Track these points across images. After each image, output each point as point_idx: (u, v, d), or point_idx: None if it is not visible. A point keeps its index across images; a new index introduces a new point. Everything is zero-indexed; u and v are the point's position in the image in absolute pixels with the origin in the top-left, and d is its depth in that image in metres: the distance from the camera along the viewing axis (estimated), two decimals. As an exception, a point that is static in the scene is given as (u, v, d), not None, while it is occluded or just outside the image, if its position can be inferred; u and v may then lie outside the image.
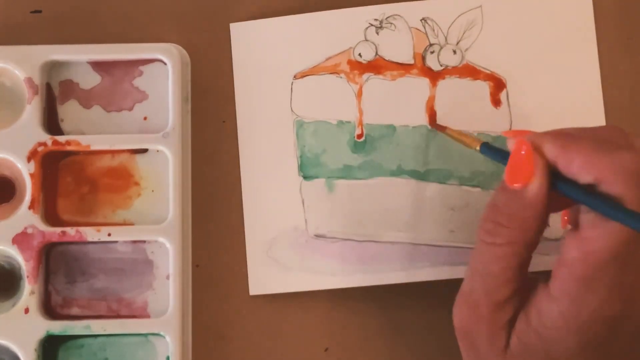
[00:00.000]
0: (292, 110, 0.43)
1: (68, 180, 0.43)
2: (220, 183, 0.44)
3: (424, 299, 0.43)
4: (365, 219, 0.43)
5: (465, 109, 0.43)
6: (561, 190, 0.32)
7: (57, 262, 0.42)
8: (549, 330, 0.32)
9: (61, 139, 0.42)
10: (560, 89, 0.43)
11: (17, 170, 0.42)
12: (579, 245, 0.31)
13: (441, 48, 0.43)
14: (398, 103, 0.43)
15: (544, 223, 0.33)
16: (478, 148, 0.37)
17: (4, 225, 0.41)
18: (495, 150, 0.36)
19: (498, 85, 0.43)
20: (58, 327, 0.41)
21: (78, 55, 0.43)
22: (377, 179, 0.43)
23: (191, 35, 0.44)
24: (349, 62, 0.44)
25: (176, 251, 0.41)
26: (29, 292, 0.41)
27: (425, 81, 0.43)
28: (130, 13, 0.45)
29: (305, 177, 0.43)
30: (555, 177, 0.32)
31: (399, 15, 0.44)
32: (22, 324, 0.40)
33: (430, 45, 0.44)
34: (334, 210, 0.43)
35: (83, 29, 0.44)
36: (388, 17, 0.44)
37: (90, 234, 0.41)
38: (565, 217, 0.36)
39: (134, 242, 0.42)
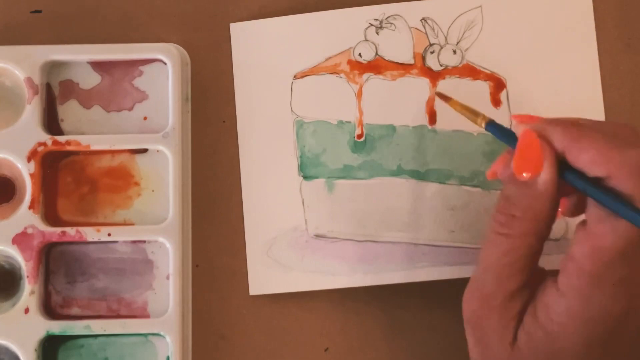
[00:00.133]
0: (292, 110, 0.43)
1: (68, 180, 0.43)
2: (220, 183, 0.44)
3: (424, 299, 0.43)
4: (365, 219, 0.43)
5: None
6: (569, 181, 0.32)
7: (57, 262, 0.42)
8: (555, 324, 0.32)
9: (61, 139, 0.42)
10: (560, 89, 0.43)
11: (17, 170, 0.42)
12: (586, 240, 0.31)
13: (441, 48, 0.43)
14: (398, 103, 0.43)
15: (555, 213, 0.33)
16: (483, 125, 0.36)
17: (4, 225, 0.41)
18: (502, 130, 0.35)
19: (498, 85, 0.43)
20: (58, 327, 0.41)
21: (78, 55, 0.43)
22: (377, 179, 0.43)
23: (191, 35, 0.44)
24: (349, 62, 0.44)
25: (176, 251, 0.41)
26: (29, 292, 0.41)
27: (425, 81, 0.43)
28: (130, 13, 0.45)
29: (305, 177, 0.43)
30: (563, 167, 0.32)
31: (399, 15, 0.44)
32: (22, 324, 0.40)
33: (430, 45, 0.44)
34: (334, 210, 0.43)
35: (83, 29, 0.44)
36: (388, 17, 0.44)
37: (90, 234, 0.41)
38: (560, 209, 0.36)
39: (134, 242, 0.42)
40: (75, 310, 0.42)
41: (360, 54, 0.44)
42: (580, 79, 0.43)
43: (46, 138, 0.42)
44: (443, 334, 0.42)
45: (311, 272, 0.42)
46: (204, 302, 0.43)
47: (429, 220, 0.43)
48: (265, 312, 0.43)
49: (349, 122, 0.43)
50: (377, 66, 0.43)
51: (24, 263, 0.41)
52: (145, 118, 0.43)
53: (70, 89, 0.43)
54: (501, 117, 0.43)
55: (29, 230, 0.41)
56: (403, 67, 0.43)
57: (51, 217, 0.42)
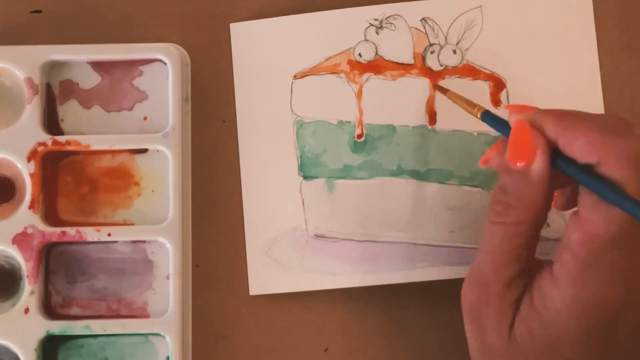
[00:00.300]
0: (292, 110, 0.43)
1: (68, 180, 0.43)
2: (220, 183, 0.44)
3: (424, 299, 0.43)
4: (365, 219, 0.43)
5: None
6: (561, 169, 0.32)
7: (57, 262, 0.42)
8: (551, 312, 0.32)
9: (61, 139, 0.42)
10: (560, 89, 0.43)
11: (17, 170, 0.42)
12: (579, 228, 0.31)
13: (441, 48, 0.43)
14: (398, 103, 0.43)
15: (550, 200, 0.34)
16: (479, 115, 0.37)
17: (4, 225, 0.41)
18: (497, 120, 0.36)
19: (498, 85, 0.43)
20: (58, 327, 0.41)
21: (78, 55, 0.43)
22: (377, 179, 0.43)
23: (191, 35, 0.44)
24: (349, 62, 0.44)
25: (176, 251, 0.41)
26: (29, 292, 0.41)
27: (425, 81, 0.43)
28: (130, 13, 0.45)
29: (305, 177, 0.43)
30: (555, 155, 0.32)
31: (399, 15, 0.44)
32: (22, 324, 0.40)
33: (430, 45, 0.44)
34: (334, 210, 0.43)
35: (83, 29, 0.44)
36: (388, 17, 0.44)
37: (90, 234, 0.41)
38: (552, 202, 0.36)
39: (134, 242, 0.42)
40: (75, 310, 0.42)
41: (360, 54, 0.44)
42: (580, 79, 0.43)
43: (46, 138, 0.42)
44: (443, 334, 0.42)
45: (311, 272, 0.42)
46: (204, 302, 0.43)
47: (429, 221, 0.43)
48: (265, 312, 0.43)
49: (349, 122, 0.43)
50: (377, 66, 0.43)
51: (24, 263, 0.41)
52: (145, 118, 0.43)
53: (70, 89, 0.43)
54: (501, 116, 0.43)
55: (29, 230, 0.41)
56: (403, 67, 0.43)
57: (51, 217, 0.42)
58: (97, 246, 0.42)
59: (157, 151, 0.42)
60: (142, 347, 0.42)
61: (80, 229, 0.41)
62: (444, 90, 0.41)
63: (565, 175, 0.32)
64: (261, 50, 0.44)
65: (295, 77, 0.44)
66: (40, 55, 0.42)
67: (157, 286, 0.42)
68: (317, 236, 0.43)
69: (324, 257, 0.43)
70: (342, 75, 0.43)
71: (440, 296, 0.42)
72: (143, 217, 0.42)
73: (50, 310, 0.42)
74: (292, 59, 0.44)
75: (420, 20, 0.44)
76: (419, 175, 0.43)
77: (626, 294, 0.31)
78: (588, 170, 0.31)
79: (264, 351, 0.43)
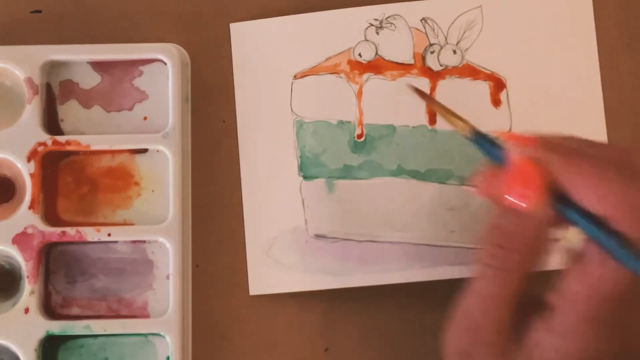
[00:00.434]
0: (292, 110, 0.43)
1: (68, 180, 0.43)
2: (220, 183, 0.44)
3: (424, 299, 0.43)
4: (365, 219, 0.43)
5: (465, 109, 0.43)
6: (567, 217, 0.29)
7: (57, 262, 0.42)
8: None
9: (61, 139, 0.42)
10: (560, 89, 0.43)
11: (17, 170, 0.42)
12: (584, 280, 0.29)
13: (441, 48, 0.43)
14: (398, 103, 0.43)
15: (548, 244, 0.31)
16: (468, 135, 0.33)
17: (4, 225, 0.41)
18: (487, 144, 0.32)
19: (498, 85, 0.43)
20: (58, 327, 0.41)
21: (78, 55, 0.43)
22: (377, 179, 0.43)
23: (191, 35, 0.44)
24: (349, 62, 0.44)
25: (176, 251, 0.41)
26: (29, 292, 0.41)
27: (425, 81, 0.43)
28: (130, 13, 0.45)
29: (305, 177, 0.43)
30: (559, 199, 0.30)
31: (399, 15, 0.44)
32: (22, 324, 0.40)
33: (430, 45, 0.44)
34: (334, 210, 0.43)
35: (83, 29, 0.44)
36: (388, 17, 0.44)
37: (90, 234, 0.41)
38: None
39: (134, 242, 0.42)
40: (75, 310, 0.42)
41: (360, 54, 0.44)
42: (580, 79, 0.43)
43: (46, 138, 0.42)
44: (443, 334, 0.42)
45: (311, 272, 0.42)
46: (204, 302, 0.43)
47: (429, 221, 0.42)
48: (265, 312, 0.43)
49: (349, 122, 0.43)
50: (377, 66, 0.43)
51: (24, 263, 0.41)
52: (145, 118, 0.43)
53: (70, 89, 0.43)
54: (501, 117, 0.43)
55: (29, 230, 0.41)
56: (403, 67, 0.43)
57: (51, 217, 0.42)
58: (97, 246, 0.42)
59: (157, 151, 0.42)
60: (142, 347, 0.42)
61: (80, 229, 0.41)
62: (429, 99, 0.40)
63: (570, 223, 0.30)
64: (261, 50, 0.44)
65: (295, 77, 0.44)
66: (40, 55, 0.42)
67: (157, 286, 0.42)
68: (317, 236, 0.43)
69: (324, 257, 0.43)
70: (342, 75, 0.43)
71: (440, 296, 0.42)
72: (143, 217, 0.42)
73: (50, 310, 0.42)
74: (292, 59, 0.44)
75: (420, 20, 0.44)
76: (419, 175, 0.43)
77: (619, 344, 0.31)
78: (596, 220, 0.29)
79: (264, 351, 0.43)
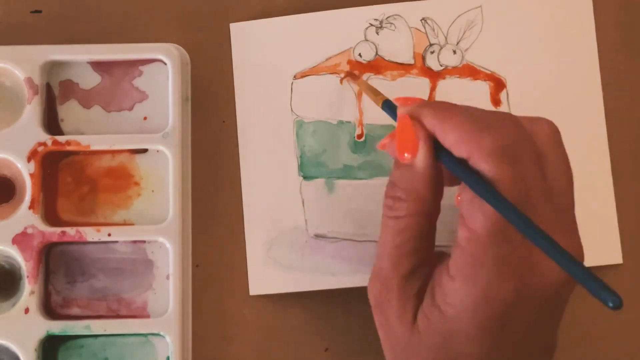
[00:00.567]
0: (292, 110, 0.43)
1: (68, 180, 0.43)
2: (220, 183, 0.44)
3: (424, 299, 0.43)
4: (365, 219, 0.43)
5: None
6: (443, 162, 0.33)
7: (57, 262, 0.42)
8: (449, 306, 0.32)
9: (61, 139, 0.42)
10: (560, 89, 0.43)
11: (17, 170, 0.42)
12: (463, 224, 0.31)
13: (441, 48, 0.43)
14: (398, 103, 0.43)
15: (439, 192, 0.34)
16: (380, 104, 0.37)
17: (4, 225, 0.41)
18: (394, 110, 0.36)
19: (498, 85, 0.43)
20: (58, 327, 0.41)
21: (78, 55, 0.43)
22: (377, 179, 0.43)
23: (191, 35, 0.44)
24: (349, 62, 0.44)
25: (176, 251, 0.41)
26: (29, 292, 0.41)
27: (425, 81, 0.43)
28: (130, 13, 0.45)
29: (305, 177, 0.43)
30: (439, 149, 0.33)
31: (399, 15, 0.44)
32: (22, 324, 0.40)
33: (430, 45, 0.44)
34: (334, 210, 0.43)
35: (83, 29, 0.44)
36: (388, 17, 0.44)
37: (90, 234, 0.41)
38: (458, 197, 0.36)
39: (134, 242, 0.42)
40: (75, 310, 0.42)
41: (360, 54, 0.44)
42: (580, 79, 0.43)
43: (46, 138, 0.42)
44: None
45: (311, 272, 0.42)
46: (204, 302, 0.43)
47: (429, 220, 0.42)
48: (265, 312, 0.43)
49: (349, 122, 0.43)
50: (377, 66, 0.43)
51: (24, 263, 0.41)
52: (145, 118, 0.43)
53: (70, 89, 0.43)
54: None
55: (29, 230, 0.41)
56: (403, 67, 0.43)
57: (51, 217, 0.42)
58: (97, 246, 0.42)
59: (157, 151, 0.43)
60: (142, 347, 0.42)
61: (80, 229, 0.41)
62: (355, 77, 0.42)
63: (448, 169, 0.32)
64: (261, 50, 0.44)
65: (295, 77, 0.44)
66: (40, 55, 0.42)
67: (157, 286, 0.42)
68: (317, 236, 0.43)
69: (324, 257, 0.43)
70: (342, 75, 0.43)
71: (440, 296, 0.42)
72: (143, 217, 0.42)
73: (50, 310, 0.42)
74: (292, 59, 0.44)
75: (420, 20, 0.44)
76: (419, 175, 0.43)
77: (517, 287, 0.31)
78: (464, 164, 0.31)
79: (264, 351, 0.43)
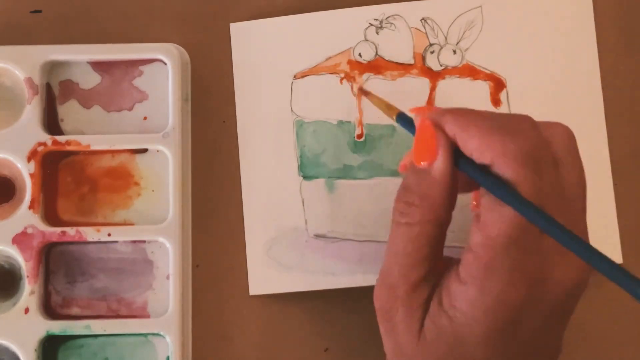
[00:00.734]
0: (292, 110, 0.43)
1: (68, 180, 0.43)
2: (220, 183, 0.44)
3: (424, 299, 0.43)
4: (365, 219, 0.43)
5: (465, 109, 0.43)
6: (462, 169, 0.32)
7: (57, 262, 0.42)
8: (458, 312, 0.32)
9: (61, 139, 0.42)
10: (560, 89, 0.43)
11: (17, 170, 0.42)
12: (479, 229, 0.31)
13: (441, 48, 0.43)
14: (398, 103, 0.43)
15: (453, 200, 0.34)
16: (394, 117, 0.37)
17: (4, 225, 0.41)
18: (410, 123, 0.36)
19: (498, 85, 0.43)
20: (58, 327, 0.41)
21: (78, 55, 0.43)
22: (377, 179, 0.43)
23: (191, 35, 0.44)
24: (349, 62, 0.44)
25: (176, 251, 0.41)
26: (29, 292, 0.41)
27: (425, 81, 0.43)
28: (130, 13, 0.45)
29: (305, 177, 0.43)
30: (458, 156, 0.32)
31: (399, 15, 0.44)
32: (22, 324, 0.40)
33: (430, 45, 0.44)
34: (334, 210, 0.43)
35: (83, 29, 0.44)
36: (388, 17, 0.44)
37: (90, 234, 0.41)
38: (474, 202, 0.36)
39: (134, 242, 0.42)
40: (75, 310, 0.42)
41: (360, 54, 0.44)
42: (580, 79, 0.43)
43: (46, 138, 0.42)
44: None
45: (311, 272, 0.42)
46: (204, 302, 0.43)
47: (429, 220, 0.42)
48: (265, 312, 0.43)
49: (349, 122, 0.43)
50: (377, 66, 0.43)
51: (24, 263, 0.41)
52: (145, 118, 0.43)
53: (70, 89, 0.43)
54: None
55: (29, 230, 0.41)
56: (403, 67, 0.43)
57: (51, 217, 0.42)
58: (97, 246, 0.42)
59: (157, 151, 0.43)
60: (142, 347, 0.42)
61: (80, 229, 0.41)
62: (366, 93, 0.42)
63: (468, 175, 0.32)
64: (261, 50, 0.44)
65: (295, 77, 0.44)
66: (40, 55, 0.42)
67: (157, 286, 0.42)
68: (317, 236, 0.43)
69: (324, 257, 0.43)
70: (342, 75, 0.43)
71: (440, 296, 0.42)
72: (143, 217, 0.42)
73: (50, 310, 0.42)
74: (292, 59, 0.44)
75: (420, 20, 0.44)
76: (419, 175, 0.43)
77: (529, 293, 0.31)
78: (485, 170, 0.31)
79: (264, 351, 0.43)
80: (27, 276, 0.41)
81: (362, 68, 0.43)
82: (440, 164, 0.32)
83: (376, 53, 0.44)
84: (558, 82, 0.43)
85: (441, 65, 0.43)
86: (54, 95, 0.43)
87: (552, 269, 0.31)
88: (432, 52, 0.43)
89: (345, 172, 0.43)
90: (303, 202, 0.43)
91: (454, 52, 0.43)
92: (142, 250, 0.42)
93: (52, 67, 0.43)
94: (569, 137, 0.33)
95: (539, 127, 0.32)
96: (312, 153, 0.43)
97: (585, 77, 0.43)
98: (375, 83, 0.43)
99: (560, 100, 0.43)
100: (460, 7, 0.43)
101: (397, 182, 0.43)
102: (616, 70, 0.44)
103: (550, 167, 0.31)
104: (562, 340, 0.34)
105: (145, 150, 0.43)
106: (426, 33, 0.44)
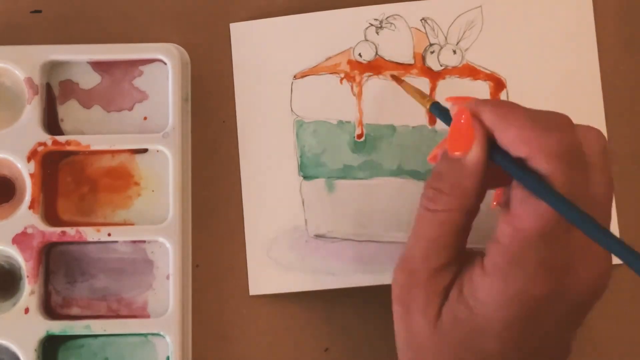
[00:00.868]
0: (292, 110, 0.43)
1: (68, 180, 0.43)
2: (220, 183, 0.44)
3: (424, 299, 0.43)
4: (365, 219, 0.43)
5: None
6: (496, 161, 0.32)
7: (57, 262, 0.42)
8: (478, 302, 0.32)
9: (61, 139, 0.42)
10: (560, 89, 0.43)
11: (17, 170, 0.42)
12: (509, 221, 0.31)
13: (441, 48, 0.43)
14: (398, 103, 0.43)
15: (483, 192, 0.34)
16: (428, 106, 0.37)
17: (4, 225, 0.41)
18: (445, 112, 0.36)
19: (498, 85, 0.43)
20: (58, 327, 0.41)
21: (78, 55, 0.43)
22: (377, 179, 0.43)
23: (191, 35, 0.44)
24: (349, 62, 0.44)
25: (176, 251, 0.41)
26: (29, 292, 0.41)
27: (425, 81, 0.43)
28: (130, 13, 0.45)
29: (305, 177, 0.43)
30: (492, 147, 0.32)
31: (399, 15, 0.44)
32: (22, 324, 0.40)
33: (430, 45, 0.44)
34: (334, 210, 0.43)
35: (83, 29, 0.44)
36: (388, 17, 0.44)
37: (90, 234, 0.41)
38: (495, 202, 0.36)
39: (134, 242, 0.42)
40: (75, 310, 0.42)
41: (360, 54, 0.44)
42: (580, 79, 0.43)
43: (46, 138, 0.42)
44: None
45: (311, 272, 0.42)
46: (204, 302, 0.43)
47: (429, 220, 0.42)
48: (265, 312, 0.43)
49: (349, 122, 0.43)
50: (377, 66, 0.43)
51: (24, 263, 0.41)
52: (145, 118, 0.43)
53: (70, 89, 0.43)
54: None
55: (29, 230, 0.41)
56: (403, 67, 0.43)
57: (51, 217, 0.42)
58: (97, 246, 0.42)
59: (157, 151, 0.43)
60: (142, 347, 0.42)
61: (80, 229, 0.41)
62: (399, 81, 0.42)
63: (501, 167, 0.32)
64: (261, 50, 0.44)
65: (295, 77, 0.44)
66: (40, 55, 0.42)
67: (157, 286, 0.42)
68: (317, 236, 0.43)
69: (324, 257, 0.43)
70: (342, 75, 0.43)
71: (440, 296, 0.42)
72: (143, 217, 0.42)
73: (50, 310, 0.42)
74: (292, 59, 0.44)
75: (420, 20, 0.44)
76: (419, 175, 0.43)
77: (551, 289, 0.31)
78: (520, 163, 0.31)
79: (264, 351, 0.43)
80: (27, 276, 0.41)
81: (362, 68, 0.43)
82: (474, 154, 0.32)
83: (376, 53, 0.44)
84: (558, 82, 0.43)
85: (441, 65, 0.43)
86: (54, 95, 0.43)
87: (577, 267, 0.32)
88: (432, 52, 0.43)
89: (345, 172, 0.43)
90: (303, 202, 0.43)
91: (454, 52, 0.43)
92: (142, 250, 0.42)
93: (52, 67, 0.43)
94: (603, 143, 0.33)
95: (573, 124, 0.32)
96: (312, 153, 0.43)
97: (585, 77, 0.43)
98: (375, 83, 0.43)
99: (560, 100, 0.43)
100: (460, 7, 0.43)
101: (397, 182, 0.43)
102: (616, 70, 0.44)
103: (582, 169, 0.31)
104: (574, 340, 0.34)
105: (145, 150, 0.43)
106: (426, 33, 0.44)
